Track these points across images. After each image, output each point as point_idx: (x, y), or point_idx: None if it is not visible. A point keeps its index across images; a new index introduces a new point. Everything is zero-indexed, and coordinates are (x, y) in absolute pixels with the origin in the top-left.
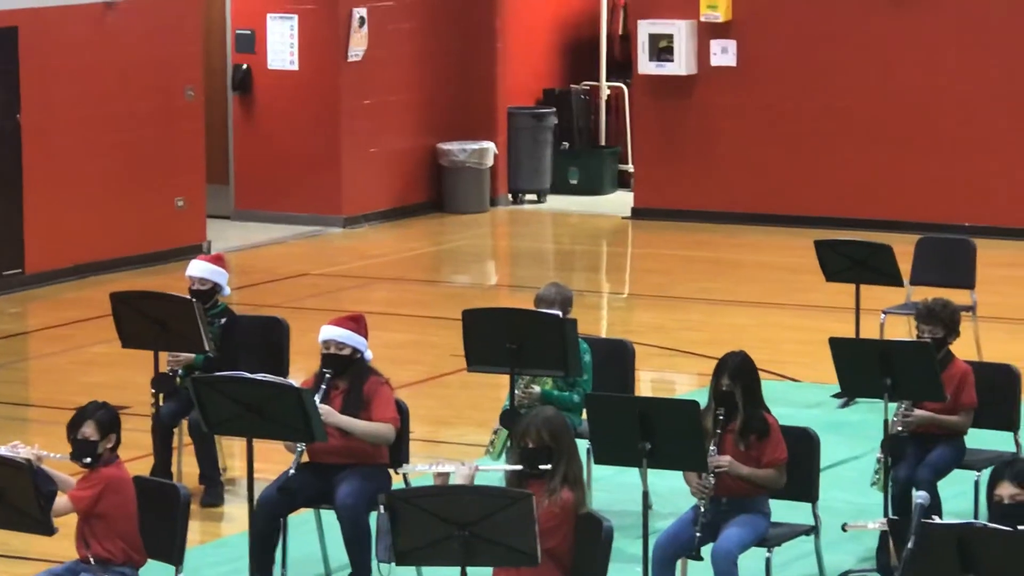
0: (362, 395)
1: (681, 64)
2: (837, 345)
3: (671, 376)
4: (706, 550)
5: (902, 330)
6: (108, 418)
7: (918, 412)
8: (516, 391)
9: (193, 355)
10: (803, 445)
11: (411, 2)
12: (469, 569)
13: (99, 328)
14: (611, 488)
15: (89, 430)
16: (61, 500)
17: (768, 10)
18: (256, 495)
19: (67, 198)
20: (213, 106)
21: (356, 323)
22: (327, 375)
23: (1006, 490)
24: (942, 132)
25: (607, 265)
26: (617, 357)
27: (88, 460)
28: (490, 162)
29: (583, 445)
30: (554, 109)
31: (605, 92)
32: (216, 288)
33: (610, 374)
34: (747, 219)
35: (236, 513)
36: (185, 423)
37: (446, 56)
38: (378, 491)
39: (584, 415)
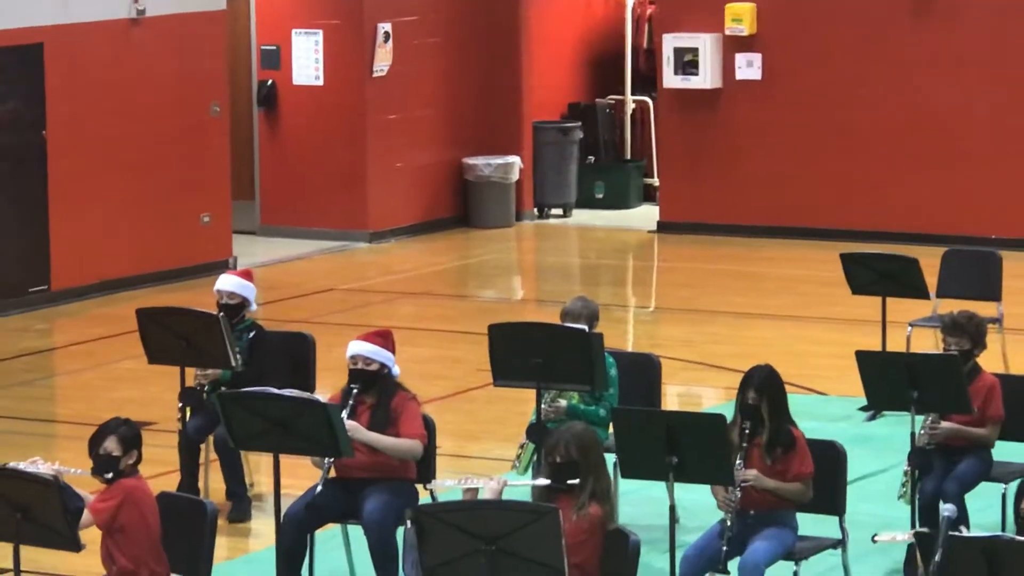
0: (390, 411)
1: (706, 78)
2: (864, 358)
3: (698, 390)
4: (733, 564)
5: (929, 343)
6: (131, 434)
7: (945, 424)
8: (542, 405)
9: (221, 370)
10: (830, 458)
11: (436, 17)
12: None
13: (125, 344)
14: (638, 502)
15: (111, 445)
16: (83, 514)
17: (793, 23)
18: (283, 511)
19: (93, 214)
20: (238, 122)
21: (384, 339)
22: (354, 390)
23: None
24: (968, 144)
25: (633, 279)
26: (643, 371)
27: (110, 475)
28: (516, 176)
29: (610, 459)
30: (579, 123)
31: (630, 106)
32: (245, 303)
33: (636, 388)
34: (773, 232)
35: (263, 529)
36: (211, 439)
37: (471, 71)
38: (405, 506)
39: (610, 429)
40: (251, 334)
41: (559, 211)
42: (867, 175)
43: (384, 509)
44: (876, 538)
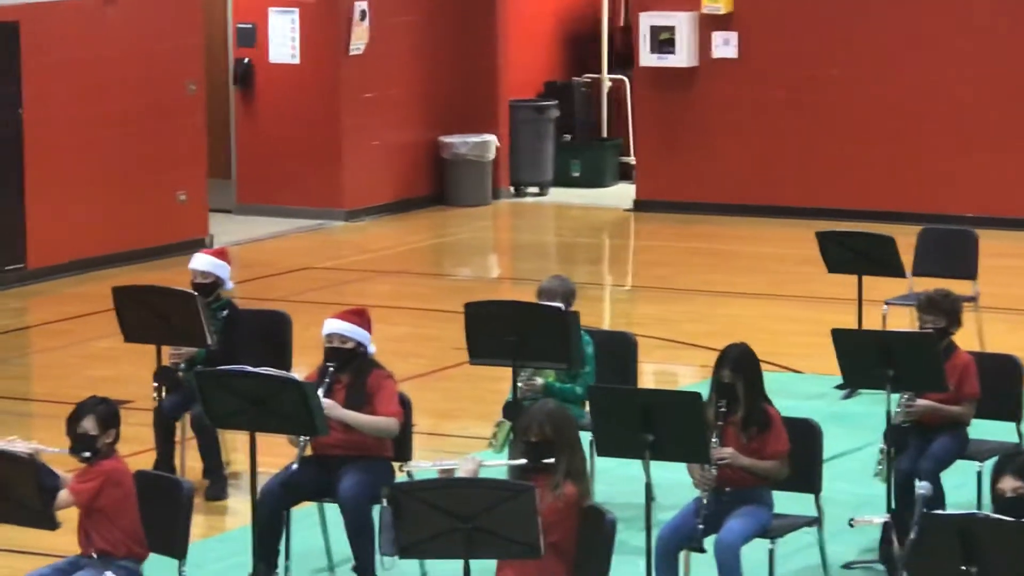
0: (365, 389)
1: (683, 56)
2: (839, 336)
3: (673, 368)
4: (709, 542)
5: (904, 321)
6: (108, 413)
7: (920, 403)
8: (519, 384)
9: (195, 349)
10: (805, 436)
11: None
12: (472, 562)
13: (101, 322)
14: (614, 480)
15: (89, 424)
16: (61, 494)
17: (769, 2)
18: (259, 489)
19: (69, 193)
20: (215, 100)
21: (360, 317)
22: (330, 369)
23: (1008, 484)
24: (944, 123)
25: (609, 257)
26: (619, 349)
27: (87, 454)
28: (492, 155)
29: (585, 437)
30: (556, 102)
31: (607, 84)
32: (218, 282)
33: (612, 366)
34: (749, 211)
35: (239, 507)
36: (188, 417)
37: (447, 49)
38: (381, 484)
39: (587, 407)
40: (224, 312)
41: (535, 189)
42: (843, 153)
43: (360, 487)
44: (853, 521)
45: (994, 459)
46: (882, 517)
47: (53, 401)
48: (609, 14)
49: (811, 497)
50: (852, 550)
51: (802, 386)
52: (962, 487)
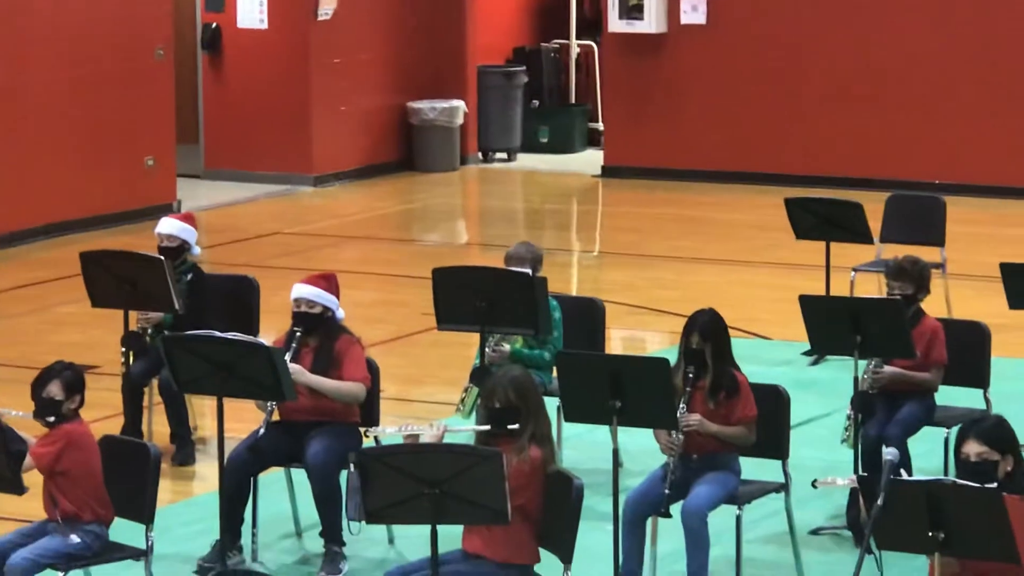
0: (333, 354)
1: (651, 22)
2: (807, 303)
3: (641, 334)
4: (676, 508)
5: (872, 287)
6: (74, 378)
7: (888, 369)
8: (486, 349)
9: (163, 314)
10: (773, 403)
11: None
12: (439, 527)
13: (69, 287)
14: (581, 446)
15: (55, 389)
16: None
17: None
18: (226, 454)
19: (37, 158)
20: (183, 65)
21: (327, 282)
22: (297, 333)
23: (972, 448)
24: (913, 90)
25: (577, 223)
26: (587, 315)
27: (52, 419)
28: (460, 120)
29: (553, 403)
30: (524, 67)
31: (575, 50)
32: (184, 246)
33: (580, 332)
34: (717, 177)
35: (207, 472)
36: (155, 382)
37: (416, 14)
38: (348, 450)
39: (554, 373)
40: (188, 276)
41: (503, 155)
42: (812, 120)
43: (327, 452)
44: (816, 483)
45: (959, 426)
46: (846, 478)
47: (20, 366)
48: None
49: (778, 463)
50: (819, 516)
51: (770, 352)
52: (929, 453)
